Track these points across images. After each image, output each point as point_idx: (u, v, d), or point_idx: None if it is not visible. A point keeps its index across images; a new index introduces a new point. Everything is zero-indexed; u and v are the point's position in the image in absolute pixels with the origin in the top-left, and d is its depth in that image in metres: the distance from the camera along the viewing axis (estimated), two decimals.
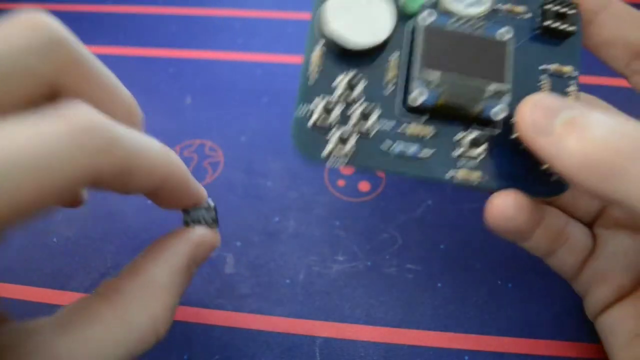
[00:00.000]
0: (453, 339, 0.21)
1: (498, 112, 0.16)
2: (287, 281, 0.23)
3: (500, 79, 0.16)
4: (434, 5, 0.17)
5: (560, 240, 0.19)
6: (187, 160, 0.26)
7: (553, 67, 0.17)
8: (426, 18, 0.17)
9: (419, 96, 0.16)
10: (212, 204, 0.18)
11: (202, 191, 0.18)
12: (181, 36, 0.32)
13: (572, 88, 0.17)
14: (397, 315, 0.22)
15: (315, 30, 0.17)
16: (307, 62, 0.17)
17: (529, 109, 0.15)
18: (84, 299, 0.14)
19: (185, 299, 0.22)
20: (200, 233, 0.17)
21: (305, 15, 0.32)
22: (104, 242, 0.24)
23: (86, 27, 0.32)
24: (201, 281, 0.23)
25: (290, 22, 0.32)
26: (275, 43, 0.31)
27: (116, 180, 0.13)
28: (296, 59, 0.29)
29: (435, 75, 0.16)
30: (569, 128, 0.14)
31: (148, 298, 0.15)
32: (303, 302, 0.22)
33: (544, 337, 0.21)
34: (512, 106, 0.16)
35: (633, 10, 0.17)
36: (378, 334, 0.21)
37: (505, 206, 0.16)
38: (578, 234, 0.19)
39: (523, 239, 0.18)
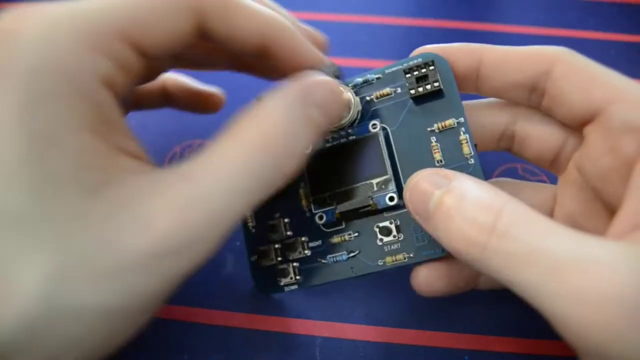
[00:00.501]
0: (453, 339, 0.21)
1: (389, 200, 0.18)
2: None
3: (380, 171, 0.18)
4: None
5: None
6: None
7: (437, 126, 0.18)
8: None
9: (320, 219, 0.19)
10: (334, 64, 0.19)
11: (318, 53, 0.18)
12: None
13: (462, 136, 0.18)
14: (397, 315, 0.22)
15: None
16: (244, 220, 0.20)
17: (408, 196, 0.16)
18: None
19: (185, 299, 0.22)
20: (313, 76, 0.16)
21: (305, 15, 0.32)
22: None
23: None
24: (201, 281, 0.23)
25: None
26: None
27: (220, 20, 0.15)
28: None
29: (324, 196, 0.19)
30: (438, 213, 0.15)
31: (257, 118, 0.15)
32: (303, 302, 0.22)
33: (544, 337, 0.21)
34: (402, 185, 0.18)
35: (509, 51, 0.18)
36: (378, 334, 0.21)
37: (427, 281, 0.18)
38: None
39: (468, 288, 0.19)
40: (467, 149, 0.18)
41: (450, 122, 0.18)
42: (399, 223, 0.18)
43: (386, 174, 0.18)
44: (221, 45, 0.16)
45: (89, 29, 0.13)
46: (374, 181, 0.18)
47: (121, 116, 0.14)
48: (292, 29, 0.17)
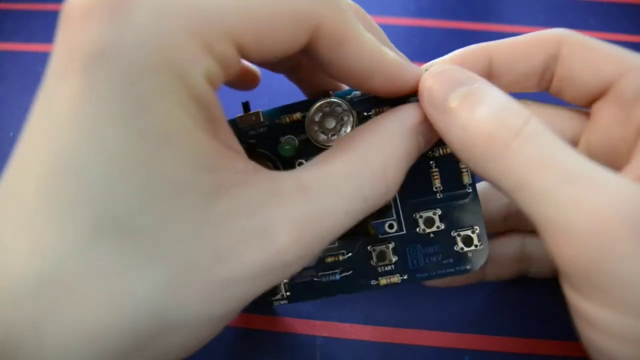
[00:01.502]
0: (453, 339, 0.21)
1: (388, 227, 0.18)
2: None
3: None
4: (307, 141, 0.18)
5: (525, 262, 0.20)
6: None
7: (437, 152, 0.18)
8: (298, 166, 0.18)
9: None
10: None
11: (415, 78, 0.17)
12: None
13: (462, 165, 0.18)
14: (397, 315, 0.22)
15: None
16: None
17: (430, 82, 0.15)
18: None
19: None
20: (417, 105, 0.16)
21: None
22: None
23: None
24: None
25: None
26: None
27: (331, 46, 0.14)
28: None
29: None
30: (462, 106, 0.14)
31: (380, 141, 0.15)
32: (303, 302, 0.22)
33: (544, 337, 0.21)
34: (408, 205, 0.18)
35: (515, 42, 0.17)
36: (378, 334, 0.21)
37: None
38: (540, 246, 0.20)
39: (475, 280, 0.19)
40: (466, 179, 0.18)
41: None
42: (394, 245, 0.18)
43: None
44: (318, 66, 0.15)
45: (204, 24, 0.12)
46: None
47: (223, 115, 0.14)
48: (400, 62, 0.16)
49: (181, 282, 0.11)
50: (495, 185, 0.14)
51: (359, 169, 0.14)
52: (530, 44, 0.17)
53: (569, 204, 0.12)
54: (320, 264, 0.19)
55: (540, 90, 0.18)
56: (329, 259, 0.19)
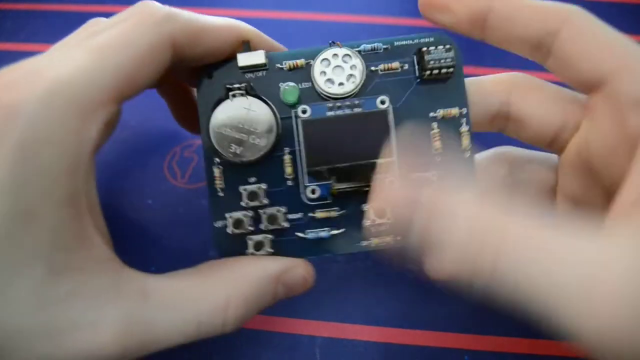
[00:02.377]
0: (453, 339, 0.21)
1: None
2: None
3: (386, 152, 0.17)
4: (311, 90, 0.18)
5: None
6: (187, 161, 0.26)
7: (440, 113, 0.17)
8: (301, 114, 0.17)
9: (312, 193, 0.17)
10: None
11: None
12: None
13: (463, 128, 0.17)
14: (397, 315, 0.22)
15: (209, 149, 0.17)
16: (211, 180, 0.18)
17: (377, 207, 0.16)
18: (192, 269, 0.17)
19: None
20: (292, 265, 0.18)
21: (306, 15, 0.32)
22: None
23: None
24: None
25: (290, 22, 0.32)
26: None
27: (191, 41, 0.16)
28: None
29: (322, 170, 0.17)
30: (427, 239, 0.14)
31: (235, 277, 0.16)
32: (303, 302, 0.22)
33: (544, 337, 0.21)
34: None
35: (520, 4, 0.17)
36: (378, 334, 0.21)
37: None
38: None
39: None
40: (466, 142, 0.17)
41: (455, 111, 0.17)
42: None
43: (391, 156, 0.17)
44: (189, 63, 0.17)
45: (84, 99, 0.13)
46: (378, 162, 0.17)
47: (97, 198, 0.15)
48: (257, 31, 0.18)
49: (7, 348, 0.12)
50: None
51: (203, 296, 0.15)
52: (533, 11, 0.16)
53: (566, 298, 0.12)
54: (308, 220, 0.18)
55: (535, 60, 0.18)
56: (320, 214, 0.18)
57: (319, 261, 0.23)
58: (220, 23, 0.17)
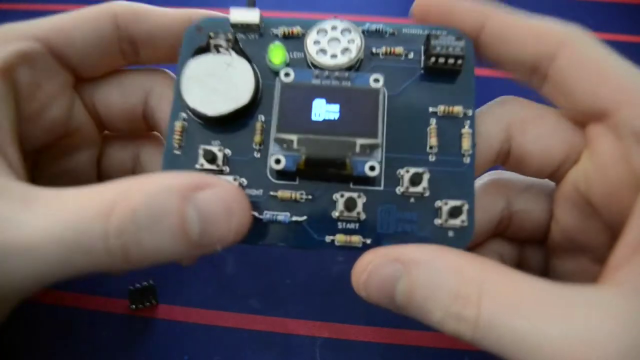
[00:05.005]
0: (453, 339, 0.21)
1: (369, 169, 0.14)
2: (287, 281, 0.23)
3: (370, 132, 0.14)
4: (302, 62, 0.16)
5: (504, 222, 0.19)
6: None
7: (441, 108, 0.16)
8: (283, 77, 0.15)
9: (276, 163, 0.14)
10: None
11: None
12: None
13: (465, 130, 0.16)
14: (397, 315, 0.22)
15: (179, 99, 0.16)
16: (171, 132, 0.16)
17: (364, 285, 0.14)
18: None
19: (185, 300, 0.22)
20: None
21: (305, 16, 0.32)
22: None
23: None
24: (201, 281, 0.23)
25: (290, 22, 0.32)
26: None
27: (135, 17, 0.17)
28: None
29: (291, 138, 0.14)
30: (411, 309, 0.14)
31: (121, 191, 0.13)
32: (303, 302, 0.22)
33: None
34: (392, 159, 0.15)
35: (514, 23, 0.16)
36: (378, 334, 0.21)
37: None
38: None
39: None
40: (466, 145, 0.15)
41: (457, 109, 0.16)
42: (365, 200, 0.15)
43: (376, 137, 0.14)
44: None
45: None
46: (359, 141, 0.14)
47: (7, 111, 0.15)
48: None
49: None
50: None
51: (88, 204, 0.13)
52: (527, 32, 0.15)
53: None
54: (267, 198, 0.15)
55: (532, 86, 0.16)
56: (282, 194, 0.15)
57: (319, 262, 0.23)
58: (171, 9, 0.17)
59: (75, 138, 0.18)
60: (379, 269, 0.14)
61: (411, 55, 0.16)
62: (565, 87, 0.15)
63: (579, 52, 0.15)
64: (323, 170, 0.15)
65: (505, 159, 0.17)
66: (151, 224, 0.12)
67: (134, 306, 0.22)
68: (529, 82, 0.16)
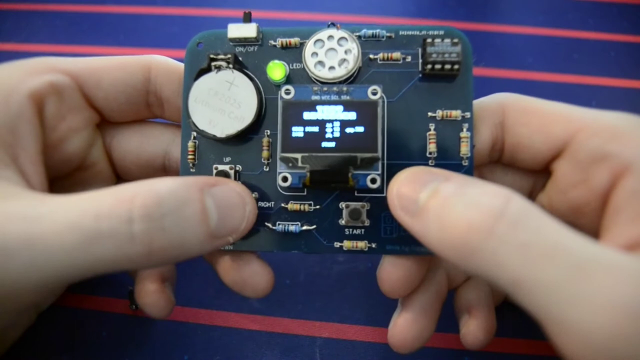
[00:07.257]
0: (453, 339, 0.21)
1: (370, 181, 0.15)
2: (287, 281, 0.23)
3: (370, 146, 0.15)
4: (302, 72, 0.17)
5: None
6: None
7: (439, 113, 0.16)
8: (284, 94, 0.15)
9: (283, 181, 0.15)
10: None
11: None
12: (182, 37, 0.32)
13: (463, 133, 0.16)
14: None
15: (186, 122, 0.17)
16: (184, 152, 0.17)
17: (396, 189, 0.14)
18: None
19: (186, 300, 0.22)
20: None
21: (305, 16, 0.32)
22: None
23: (86, 27, 0.32)
24: (201, 281, 0.23)
25: (290, 22, 0.32)
26: None
27: (93, 75, 0.17)
28: None
29: (296, 156, 0.15)
30: (431, 204, 0.13)
31: (139, 184, 0.14)
32: (303, 302, 0.22)
33: (544, 337, 0.21)
34: (393, 165, 0.16)
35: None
36: (378, 335, 0.21)
37: (395, 280, 0.16)
38: None
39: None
40: (465, 149, 0.16)
41: (456, 113, 0.16)
42: (369, 208, 0.16)
43: (376, 151, 0.15)
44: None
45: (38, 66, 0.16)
46: (359, 155, 0.15)
47: (33, 134, 0.16)
48: None
49: None
50: (490, 282, 0.12)
51: (106, 194, 0.13)
52: (476, 113, 0.16)
53: (584, 302, 0.11)
54: (279, 210, 0.16)
55: (493, 161, 0.17)
56: (292, 206, 0.16)
57: (319, 262, 0.23)
58: (126, 57, 0.18)
59: (90, 172, 0.19)
60: (419, 171, 0.14)
61: (409, 59, 0.17)
62: (521, 143, 0.16)
63: (520, 108, 0.16)
64: (327, 185, 0.15)
65: (499, 154, 0.18)
66: (175, 209, 0.13)
67: (134, 306, 0.22)
68: (491, 158, 0.17)
